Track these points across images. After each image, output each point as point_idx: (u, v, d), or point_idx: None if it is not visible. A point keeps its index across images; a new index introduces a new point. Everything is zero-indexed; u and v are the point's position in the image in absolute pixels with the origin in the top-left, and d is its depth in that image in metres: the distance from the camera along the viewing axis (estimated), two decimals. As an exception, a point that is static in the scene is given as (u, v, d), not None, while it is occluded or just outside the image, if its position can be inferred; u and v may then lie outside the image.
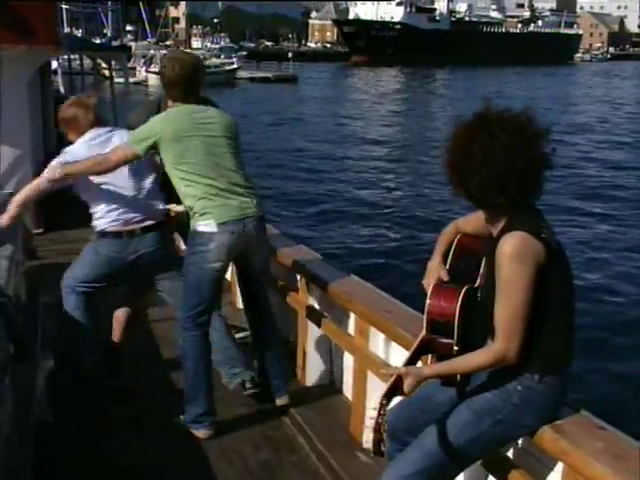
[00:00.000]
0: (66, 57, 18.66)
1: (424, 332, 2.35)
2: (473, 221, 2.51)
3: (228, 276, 5.02)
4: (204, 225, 3.52)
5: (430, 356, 2.37)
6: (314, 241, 12.02)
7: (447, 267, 2.47)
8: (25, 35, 7.19)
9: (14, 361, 3.26)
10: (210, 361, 3.79)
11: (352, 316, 3.73)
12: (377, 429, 2.05)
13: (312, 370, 4.30)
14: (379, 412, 2.06)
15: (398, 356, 3.40)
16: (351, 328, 3.77)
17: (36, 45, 7.28)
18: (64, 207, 4.61)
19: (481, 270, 2.39)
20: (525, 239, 2.15)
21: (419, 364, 2.40)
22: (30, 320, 4.27)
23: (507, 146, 2.15)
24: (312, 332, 4.27)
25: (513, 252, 2.14)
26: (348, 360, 3.87)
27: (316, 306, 4.25)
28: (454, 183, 2.28)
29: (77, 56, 20.16)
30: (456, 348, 2.27)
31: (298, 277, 4.39)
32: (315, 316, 4.21)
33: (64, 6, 17.16)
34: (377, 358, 3.54)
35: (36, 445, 3.29)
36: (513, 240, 2.15)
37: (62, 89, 18.83)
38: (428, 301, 2.33)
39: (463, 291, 2.29)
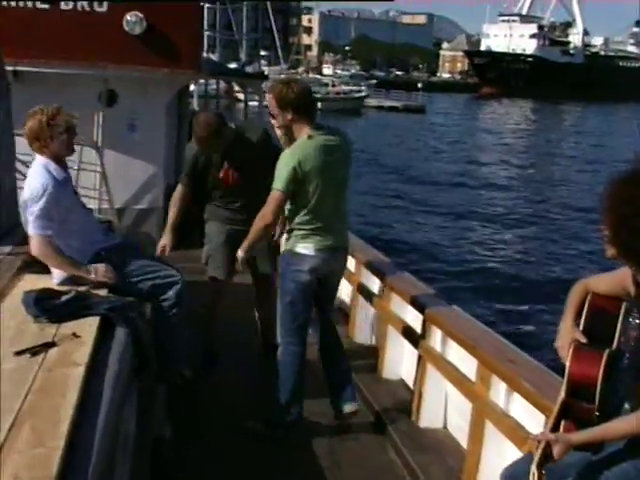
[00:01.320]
0: (202, 80, 19.42)
1: (563, 395, 2.25)
2: (608, 280, 2.38)
3: None
4: (303, 248, 3.88)
5: (563, 420, 2.25)
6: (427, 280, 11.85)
7: (581, 328, 2.35)
8: (169, 59, 7.50)
9: (137, 376, 3.36)
10: (303, 375, 4.04)
11: (474, 362, 3.60)
12: None
13: (427, 412, 4.20)
14: None
15: (519, 407, 3.28)
16: (471, 374, 3.65)
17: (179, 69, 7.58)
18: (189, 226, 4.76)
19: (617, 331, 2.26)
20: None
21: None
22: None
23: None
24: (429, 373, 4.17)
25: None
26: (465, 406, 3.74)
27: (436, 348, 4.16)
28: (618, 242, 2.13)
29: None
30: (597, 413, 2.17)
31: (420, 317, 4.30)
32: (434, 358, 4.12)
33: (206, 33, 17.93)
34: (497, 408, 3.41)
35: (153, 461, 3.37)
36: None
37: (197, 108, 19.65)
38: (568, 364, 2.24)
39: (606, 354, 2.18)
